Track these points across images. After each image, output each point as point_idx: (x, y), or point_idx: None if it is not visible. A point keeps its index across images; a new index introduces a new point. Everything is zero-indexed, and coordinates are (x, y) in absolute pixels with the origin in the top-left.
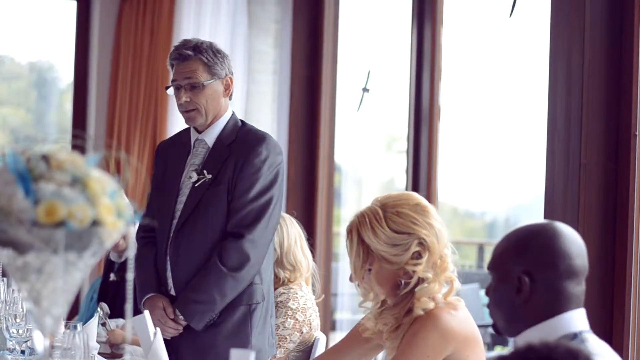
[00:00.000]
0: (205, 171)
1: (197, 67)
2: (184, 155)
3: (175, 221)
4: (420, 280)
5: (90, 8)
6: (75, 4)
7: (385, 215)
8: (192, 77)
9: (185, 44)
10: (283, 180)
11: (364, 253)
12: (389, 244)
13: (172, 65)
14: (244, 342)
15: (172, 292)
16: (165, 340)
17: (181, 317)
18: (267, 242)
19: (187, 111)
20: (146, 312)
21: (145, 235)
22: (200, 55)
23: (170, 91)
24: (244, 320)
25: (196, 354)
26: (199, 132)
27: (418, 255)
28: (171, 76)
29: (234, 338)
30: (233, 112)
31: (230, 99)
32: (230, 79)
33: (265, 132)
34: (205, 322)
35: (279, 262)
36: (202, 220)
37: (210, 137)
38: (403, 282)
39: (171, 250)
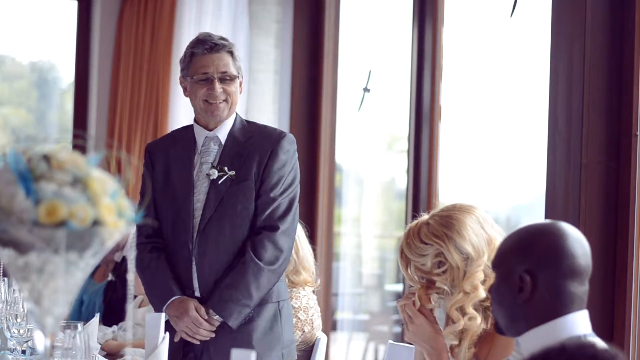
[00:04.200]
0: (225, 168)
1: (229, 61)
2: (190, 153)
3: (196, 220)
4: (445, 292)
5: (91, 8)
6: (76, 3)
7: (420, 227)
8: (226, 70)
9: (213, 35)
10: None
11: (402, 263)
12: (417, 253)
13: (192, 56)
14: (276, 339)
15: (197, 294)
16: (185, 341)
17: (216, 317)
18: (294, 234)
19: (219, 103)
20: (163, 314)
21: (147, 241)
22: (231, 50)
23: (204, 82)
24: (275, 318)
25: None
26: (209, 130)
27: (438, 266)
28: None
29: (267, 336)
30: (236, 112)
31: None
32: (242, 78)
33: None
34: (242, 319)
35: (296, 268)
36: (228, 217)
37: (222, 133)
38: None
39: (196, 250)
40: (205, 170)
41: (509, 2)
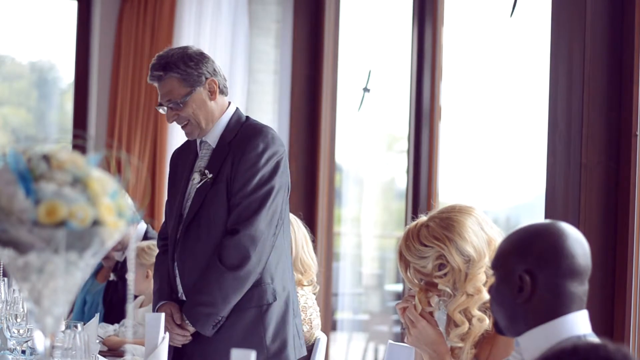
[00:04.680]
0: (207, 171)
1: (172, 85)
2: (192, 159)
3: (181, 225)
4: (447, 295)
5: (91, 8)
6: (76, 3)
7: (419, 229)
8: (170, 98)
9: (157, 63)
10: (286, 172)
11: (402, 265)
12: (417, 256)
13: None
14: (257, 346)
15: (183, 297)
16: (177, 349)
17: (186, 321)
18: (268, 236)
19: (182, 127)
20: (162, 314)
21: (161, 244)
22: (171, 73)
23: (163, 110)
24: (255, 324)
25: None
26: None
27: (439, 269)
28: None
29: (246, 343)
30: (237, 109)
31: (225, 94)
32: (214, 81)
33: (265, 125)
34: (211, 325)
35: None
36: (205, 221)
37: (212, 137)
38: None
39: (178, 254)
40: (194, 175)
41: (509, 2)
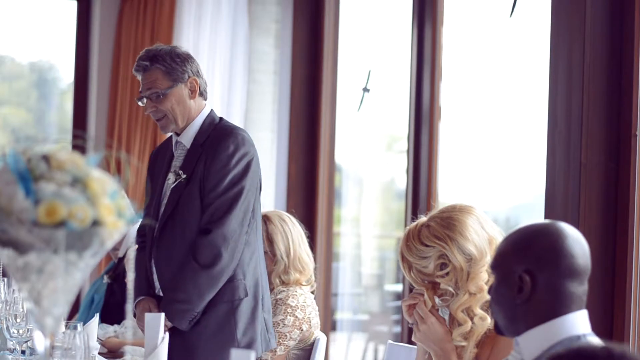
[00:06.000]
0: (181, 171)
1: (157, 76)
2: (169, 159)
3: (158, 224)
4: (449, 294)
5: (91, 8)
6: (75, 3)
7: (420, 229)
8: (152, 87)
9: (144, 54)
10: (257, 172)
11: (405, 266)
12: (418, 256)
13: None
14: (228, 339)
15: (160, 294)
16: None
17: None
18: (240, 235)
19: (158, 120)
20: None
21: (141, 240)
22: (156, 64)
23: (142, 102)
24: (227, 318)
25: (183, 355)
26: (178, 135)
27: (441, 268)
28: None
29: (217, 336)
30: (211, 110)
31: (204, 98)
32: (195, 80)
33: (237, 127)
34: (187, 321)
35: (286, 269)
36: (179, 220)
37: (186, 138)
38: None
39: (154, 252)
40: (169, 175)
41: (508, 2)
